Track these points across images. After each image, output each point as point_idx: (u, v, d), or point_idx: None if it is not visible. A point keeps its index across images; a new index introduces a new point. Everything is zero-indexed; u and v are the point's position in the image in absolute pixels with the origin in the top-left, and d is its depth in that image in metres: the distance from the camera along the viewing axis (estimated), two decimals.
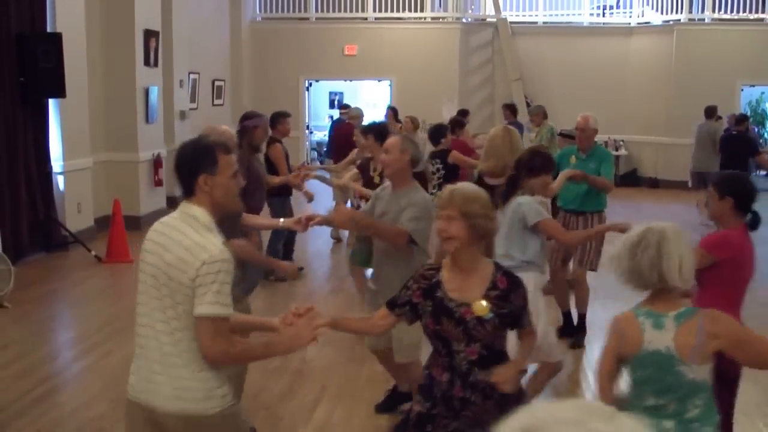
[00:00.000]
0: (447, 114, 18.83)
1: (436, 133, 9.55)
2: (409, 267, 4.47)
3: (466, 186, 3.64)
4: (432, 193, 7.81)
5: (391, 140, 5.23)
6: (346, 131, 11.78)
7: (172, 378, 3.11)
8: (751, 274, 4.38)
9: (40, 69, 10.08)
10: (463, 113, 13.91)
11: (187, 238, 3.12)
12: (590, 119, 7.58)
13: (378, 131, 7.10)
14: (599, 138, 18.12)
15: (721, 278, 4.23)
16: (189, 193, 3.24)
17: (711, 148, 14.04)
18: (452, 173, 8.87)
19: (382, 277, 5.21)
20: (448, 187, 3.61)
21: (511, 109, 14.26)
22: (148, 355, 3.18)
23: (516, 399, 3.37)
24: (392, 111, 13.90)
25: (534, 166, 5.38)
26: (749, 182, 4.60)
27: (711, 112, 14.64)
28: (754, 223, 4.38)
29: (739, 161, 12.23)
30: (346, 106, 14.72)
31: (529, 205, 5.28)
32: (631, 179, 18.54)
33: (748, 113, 18.05)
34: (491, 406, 3.40)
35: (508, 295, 3.45)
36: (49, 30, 10.49)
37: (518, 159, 5.56)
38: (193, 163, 3.24)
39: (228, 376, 3.30)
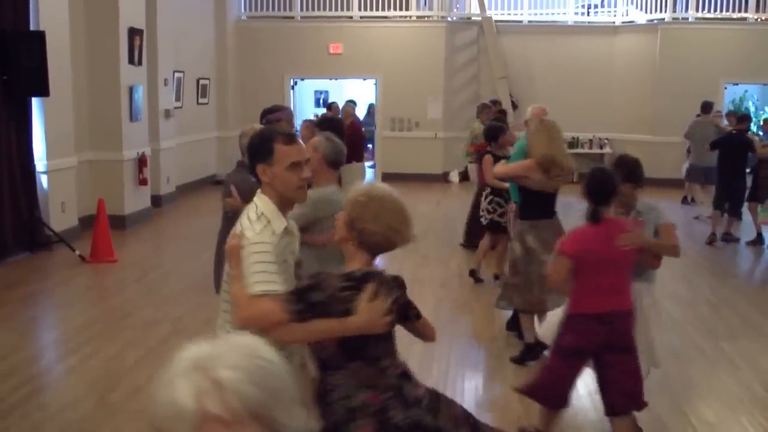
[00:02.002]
0: (432, 112, 18.91)
1: (491, 132, 9.41)
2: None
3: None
4: None
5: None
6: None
7: None
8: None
9: (24, 67, 10.02)
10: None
11: (238, 224, 3.36)
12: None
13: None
14: (584, 136, 18.34)
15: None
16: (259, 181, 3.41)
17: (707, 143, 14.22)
18: None
19: None
20: None
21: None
22: None
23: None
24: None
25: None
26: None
27: (708, 108, 14.71)
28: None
29: (737, 160, 12.23)
30: (331, 105, 14.66)
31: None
32: None
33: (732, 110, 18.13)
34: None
35: None
36: (32, 28, 10.43)
37: None
38: (251, 152, 3.41)
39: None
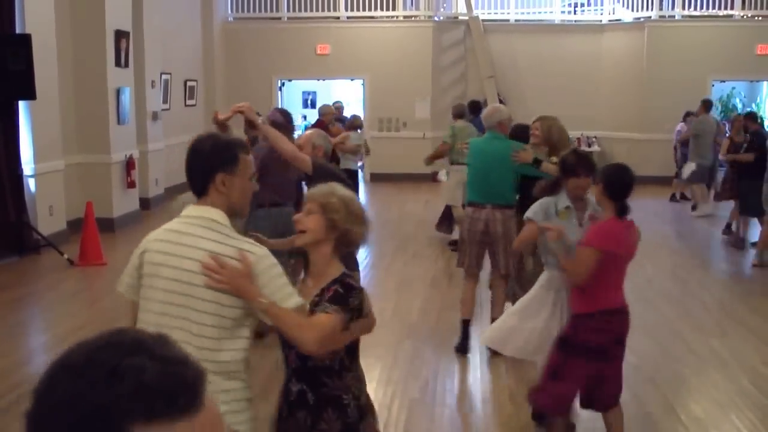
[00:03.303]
0: (420, 112, 18.92)
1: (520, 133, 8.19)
2: None
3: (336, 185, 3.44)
4: None
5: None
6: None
7: (215, 388, 2.83)
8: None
9: (10, 71, 9.97)
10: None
11: (218, 244, 2.98)
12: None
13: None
14: (572, 134, 18.40)
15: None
16: (201, 192, 3.06)
17: (709, 141, 14.17)
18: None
19: None
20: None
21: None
22: None
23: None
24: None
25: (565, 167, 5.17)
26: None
27: (711, 106, 14.73)
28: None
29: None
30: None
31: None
32: None
33: (719, 109, 18.24)
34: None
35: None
36: (18, 31, 10.37)
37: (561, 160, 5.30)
38: (210, 160, 3.05)
39: None
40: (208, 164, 3.06)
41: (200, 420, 1.03)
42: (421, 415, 5.80)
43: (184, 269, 2.95)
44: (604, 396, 4.80)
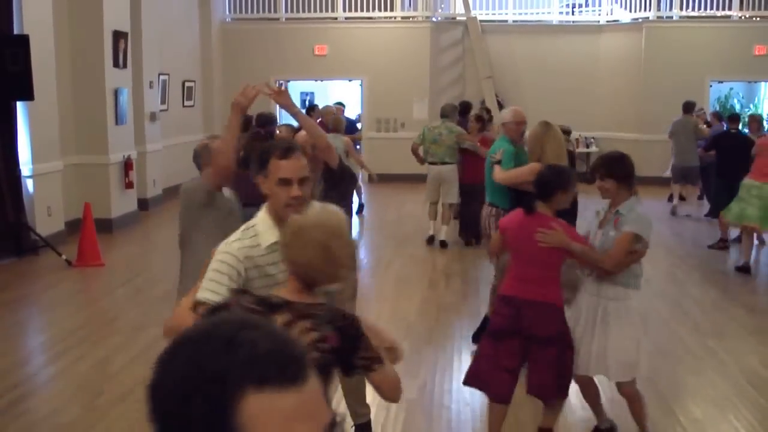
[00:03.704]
0: (418, 113, 18.92)
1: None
2: None
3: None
4: None
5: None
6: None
7: None
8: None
9: (8, 72, 9.96)
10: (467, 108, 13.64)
11: None
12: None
13: None
14: (571, 135, 18.44)
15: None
16: None
17: (687, 143, 14.17)
18: None
19: None
20: None
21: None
22: None
23: None
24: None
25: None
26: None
27: (689, 108, 14.70)
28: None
29: (737, 159, 11.56)
30: (314, 108, 14.74)
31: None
32: None
33: (717, 109, 18.23)
34: None
35: None
36: (16, 32, 10.37)
37: None
38: (254, 162, 3.31)
39: None
40: (254, 165, 3.31)
41: (307, 391, 1.13)
42: (419, 416, 5.80)
43: None
44: (531, 382, 4.93)
